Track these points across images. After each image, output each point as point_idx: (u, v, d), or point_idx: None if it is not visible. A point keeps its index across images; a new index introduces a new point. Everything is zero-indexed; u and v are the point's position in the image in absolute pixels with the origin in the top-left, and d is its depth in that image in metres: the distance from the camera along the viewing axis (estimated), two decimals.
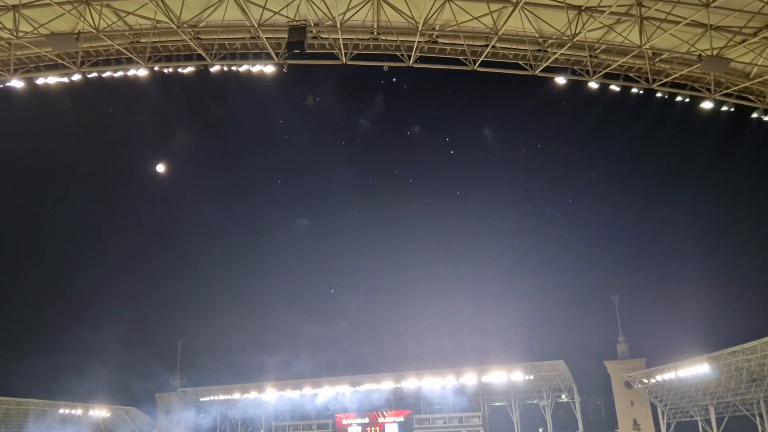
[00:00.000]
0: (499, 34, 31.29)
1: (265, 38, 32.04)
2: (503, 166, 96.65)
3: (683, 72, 34.00)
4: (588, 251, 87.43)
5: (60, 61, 33.68)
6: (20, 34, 30.30)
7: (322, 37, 33.22)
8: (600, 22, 30.57)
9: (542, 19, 30.99)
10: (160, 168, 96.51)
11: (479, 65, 33.94)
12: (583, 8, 29.78)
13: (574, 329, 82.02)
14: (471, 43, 33.38)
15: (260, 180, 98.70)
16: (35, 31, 30.42)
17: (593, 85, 35.04)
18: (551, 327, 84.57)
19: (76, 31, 30.32)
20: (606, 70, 34.48)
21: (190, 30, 31.73)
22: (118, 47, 32.87)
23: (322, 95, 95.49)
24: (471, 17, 30.40)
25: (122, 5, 30.20)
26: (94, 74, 34.82)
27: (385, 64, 33.78)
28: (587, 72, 34.55)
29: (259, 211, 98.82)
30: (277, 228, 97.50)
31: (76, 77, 34.73)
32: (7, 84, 34.41)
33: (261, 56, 33.96)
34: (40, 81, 34.55)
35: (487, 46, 32.95)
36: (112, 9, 30.40)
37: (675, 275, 78.59)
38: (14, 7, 29.19)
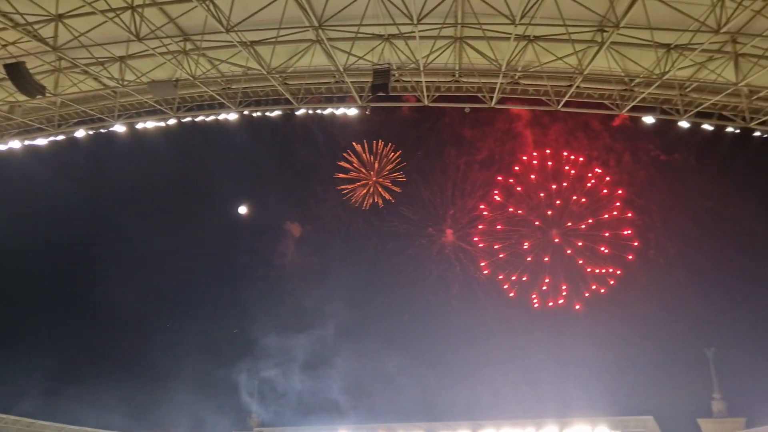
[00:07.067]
0: (584, 73, 30.79)
1: (350, 82, 33.02)
2: None
3: None
4: (681, 299, 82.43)
5: (158, 107, 36.04)
6: (125, 83, 32.64)
7: (404, 80, 33.85)
8: (691, 60, 29.52)
9: (628, 58, 30.27)
10: (242, 210, 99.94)
11: (563, 105, 33.52)
12: (672, 46, 28.90)
13: (663, 382, 76.98)
14: (554, 83, 33.06)
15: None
16: (138, 80, 32.73)
17: (684, 124, 33.76)
18: (637, 378, 79.72)
19: (175, 79, 32.38)
20: (698, 109, 33.14)
21: (278, 76, 33.19)
22: (211, 93, 34.78)
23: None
24: (554, 57, 30.15)
25: (217, 54, 32.07)
26: (188, 119, 37.20)
27: (467, 106, 33.97)
28: (677, 111, 33.35)
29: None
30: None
31: (172, 121, 37.11)
32: (111, 129, 37.34)
33: (344, 99, 35.07)
34: (139, 125, 37.22)
35: (571, 86, 32.51)
36: (207, 58, 32.33)
37: None
38: (121, 58, 31.59)
